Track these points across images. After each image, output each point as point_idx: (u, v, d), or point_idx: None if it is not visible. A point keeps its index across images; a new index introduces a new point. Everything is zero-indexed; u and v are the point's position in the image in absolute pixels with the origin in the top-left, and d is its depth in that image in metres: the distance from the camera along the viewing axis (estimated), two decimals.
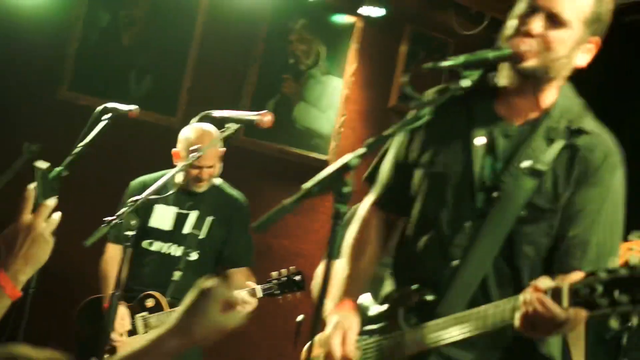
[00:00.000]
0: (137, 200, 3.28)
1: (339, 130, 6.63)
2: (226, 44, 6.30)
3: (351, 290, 2.61)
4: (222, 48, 6.29)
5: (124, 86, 6.00)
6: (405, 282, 2.52)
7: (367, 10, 6.58)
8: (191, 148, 3.80)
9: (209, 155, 4.42)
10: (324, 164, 6.59)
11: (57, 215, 2.13)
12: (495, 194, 2.33)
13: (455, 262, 2.38)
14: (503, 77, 2.38)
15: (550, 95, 2.38)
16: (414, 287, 2.47)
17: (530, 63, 2.31)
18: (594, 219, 2.28)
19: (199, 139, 4.32)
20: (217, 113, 3.45)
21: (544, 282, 2.08)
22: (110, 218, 3.20)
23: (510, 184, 2.31)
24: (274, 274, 4.40)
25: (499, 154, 2.37)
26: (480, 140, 2.40)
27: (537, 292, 2.07)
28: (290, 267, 4.47)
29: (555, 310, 2.03)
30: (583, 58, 2.36)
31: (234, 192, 4.72)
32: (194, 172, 4.47)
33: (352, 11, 6.67)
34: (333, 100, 6.67)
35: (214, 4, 6.22)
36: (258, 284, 4.40)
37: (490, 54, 2.28)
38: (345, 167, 2.19)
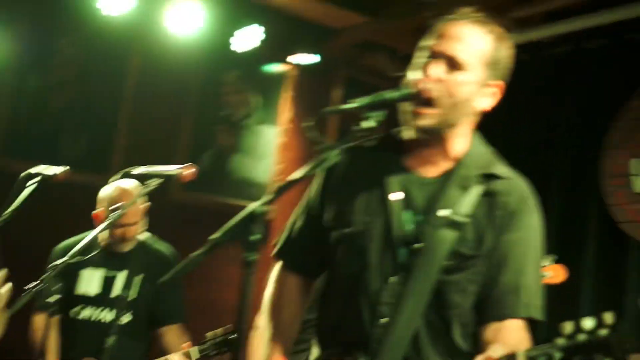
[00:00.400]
0: (57, 264, 3.21)
1: (277, 178, 6.65)
2: (159, 99, 6.31)
3: (277, 350, 2.57)
4: (155, 103, 6.30)
5: (58, 148, 5.96)
6: (332, 345, 2.45)
7: (299, 58, 6.64)
8: (112, 207, 3.75)
9: (131, 212, 4.36)
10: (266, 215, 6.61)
11: (7, 287, 2.02)
12: (416, 246, 2.31)
13: (384, 320, 2.32)
14: (407, 132, 2.39)
15: (459, 143, 2.39)
16: (343, 351, 2.40)
17: (426, 121, 2.33)
18: (522, 262, 2.30)
19: (119, 197, 4.27)
20: (137, 170, 3.44)
21: (496, 350, 2.03)
22: (31, 285, 3.13)
23: (431, 234, 2.30)
24: (209, 334, 4.29)
25: (417, 206, 2.35)
26: (395, 195, 2.38)
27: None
28: (227, 326, 4.37)
29: None
30: (486, 102, 2.37)
31: (161, 247, 4.63)
32: (118, 231, 4.40)
33: (284, 60, 6.73)
34: (269, 148, 6.70)
35: (144, 61, 6.23)
36: (198, 342, 4.32)
37: (391, 95, 2.30)
38: (252, 215, 2.20)
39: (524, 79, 6.05)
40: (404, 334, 2.28)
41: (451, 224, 2.29)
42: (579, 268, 5.76)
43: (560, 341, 1.89)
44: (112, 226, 4.16)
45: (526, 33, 5.71)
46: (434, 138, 2.37)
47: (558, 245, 5.89)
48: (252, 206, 2.20)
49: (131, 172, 3.46)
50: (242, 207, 2.17)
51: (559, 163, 6.01)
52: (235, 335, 4.29)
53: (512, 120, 5.84)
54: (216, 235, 2.21)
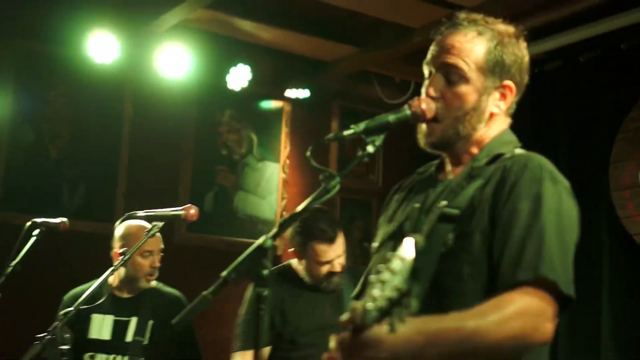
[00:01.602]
0: (68, 312, 3.20)
1: (282, 214, 6.64)
2: (156, 144, 6.31)
3: None
4: (153, 148, 6.29)
5: (58, 199, 5.93)
6: None
7: (293, 93, 6.66)
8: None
9: (157, 240, 4.37)
10: (273, 249, 6.58)
11: None
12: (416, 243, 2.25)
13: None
14: (425, 147, 2.35)
15: (479, 148, 2.33)
16: None
17: (432, 138, 2.29)
18: (528, 230, 2.06)
19: (136, 233, 4.25)
20: (140, 213, 3.42)
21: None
22: (41, 335, 3.12)
23: (428, 228, 2.21)
24: None
25: (427, 207, 2.30)
26: (416, 204, 2.34)
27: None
28: None
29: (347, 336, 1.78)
30: (498, 105, 2.31)
31: (171, 290, 4.63)
32: (146, 262, 4.38)
33: (279, 96, 6.76)
34: (272, 185, 6.69)
35: (138, 106, 6.23)
36: None
37: (391, 117, 2.26)
38: (260, 250, 2.17)
39: (521, 97, 6.05)
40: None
41: (446, 215, 2.19)
42: (596, 283, 5.72)
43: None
44: (138, 257, 4.19)
45: None
46: (454, 148, 2.32)
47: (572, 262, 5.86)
48: (260, 240, 2.17)
49: (134, 216, 3.44)
50: (249, 245, 2.13)
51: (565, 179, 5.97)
52: None
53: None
54: (226, 271, 2.17)
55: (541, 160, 2.19)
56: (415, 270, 2.09)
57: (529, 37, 6.05)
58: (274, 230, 2.21)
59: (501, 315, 1.92)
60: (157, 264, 4.44)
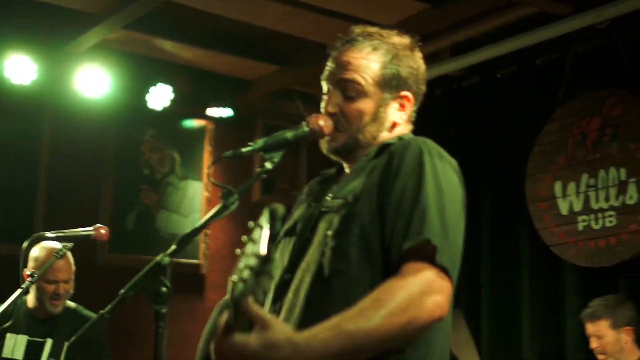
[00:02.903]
0: None
1: (206, 232, 6.62)
2: (76, 164, 6.26)
3: None
4: (72, 169, 6.25)
5: None
6: None
7: (215, 112, 6.67)
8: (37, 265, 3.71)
9: (63, 269, 4.33)
10: (196, 268, 6.56)
11: None
12: (305, 235, 2.25)
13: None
14: (327, 153, 2.39)
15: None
16: None
17: (333, 144, 2.33)
18: (412, 204, 2.06)
19: (47, 255, 4.21)
20: (50, 234, 3.40)
21: None
22: None
23: (319, 217, 2.25)
24: None
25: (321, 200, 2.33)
26: (312, 204, 2.38)
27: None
28: None
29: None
30: (398, 114, 2.35)
31: (90, 313, 4.59)
32: (50, 288, 4.35)
33: (201, 115, 6.76)
34: (195, 203, 6.69)
35: (57, 127, 6.18)
36: None
37: (289, 134, 2.29)
38: (158, 267, 2.17)
39: (439, 112, 6.16)
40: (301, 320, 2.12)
41: (330, 206, 2.22)
42: (515, 294, 5.81)
43: None
44: (43, 283, 4.14)
45: (434, 68, 5.77)
46: (356, 154, 2.34)
47: (492, 273, 5.96)
48: (158, 258, 2.17)
49: (44, 237, 3.42)
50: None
51: (485, 193, 6.08)
52: None
53: None
54: (124, 289, 2.17)
55: (425, 139, 2.22)
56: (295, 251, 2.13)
57: (447, 54, 6.13)
58: (172, 247, 2.21)
59: (383, 313, 1.90)
60: (62, 292, 4.40)
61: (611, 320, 4.78)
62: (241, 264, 1.73)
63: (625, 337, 4.77)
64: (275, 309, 2.25)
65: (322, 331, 1.90)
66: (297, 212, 2.43)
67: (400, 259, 2.01)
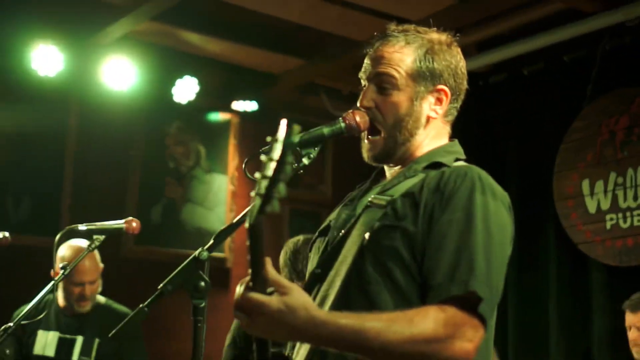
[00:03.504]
0: (7, 327, 3.17)
1: None
2: (102, 156, 6.26)
3: None
4: (99, 161, 6.25)
5: (2, 213, 5.86)
6: None
7: (240, 105, 6.66)
8: (62, 265, 3.70)
9: (89, 270, 4.33)
10: (222, 262, 6.57)
11: None
12: (341, 233, 2.24)
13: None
14: (368, 161, 2.37)
15: (422, 151, 2.35)
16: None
17: (374, 150, 2.31)
18: (460, 242, 2.05)
19: (74, 255, 4.22)
20: (82, 227, 3.39)
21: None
22: None
23: (355, 220, 2.23)
24: None
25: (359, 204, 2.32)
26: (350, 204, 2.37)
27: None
28: None
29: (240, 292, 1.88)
30: (434, 109, 2.33)
31: (121, 307, 4.59)
32: (76, 290, 4.36)
33: (226, 108, 6.76)
34: (220, 197, 6.69)
35: (83, 119, 6.19)
36: None
37: (325, 130, 2.29)
38: (196, 261, 2.18)
39: (465, 109, 6.11)
40: None
41: (373, 206, 2.20)
42: (542, 293, 5.79)
43: None
44: (70, 285, 4.15)
45: None
46: (396, 157, 2.33)
47: (519, 271, 5.93)
48: (196, 252, 2.18)
49: (76, 229, 3.41)
50: None
51: (511, 191, 6.02)
52: None
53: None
54: (162, 284, 2.18)
55: (480, 173, 2.19)
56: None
57: (473, 50, 6.08)
58: (210, 242, 2.22)
59: (409, 333, 1.91)
60: (88, 293, 4.40)
61: None
62: (260, 183, 1.73)
63: None
64: None
65: (343, 318, 1.91)
66: (333, 215, 2.41)
67: (444, 300, 1.99)
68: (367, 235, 2.13)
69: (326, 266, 2.22)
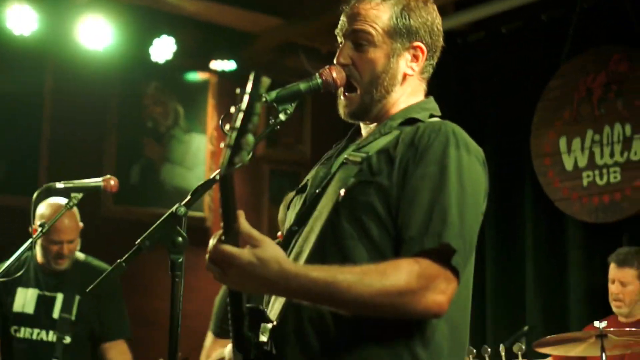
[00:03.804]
0: None
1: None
2: (79, 116, 6.23)
3: None
4: (76, 121, 6.21)
5: None
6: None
7: (218, 65, 6.63)
8: (40, 223, 3.70)
9: (68, 228, 4.32)
10: (202, 221, 6.58)
11: None
12: (317, 190, 2.25)
13: None
14: (344, 118, 2.37)
15: (399, 107, 2.35)
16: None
17: (351, 107, 2.32)
18: (432, 196, 2.05)
19: (52, 213, 4.20)
20: (59, 184, 3.39)
21: None
22: None
23: (331, 177, 2.24)
24: None
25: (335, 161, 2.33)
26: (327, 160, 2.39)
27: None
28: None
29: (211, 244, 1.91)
30: (410, 66, 2.33)
31: (101, 264, 4.58)
32: (54, 248, 4.35)
33: (204, 68, 6.72)
34: (199, 157, 6.68)
35: (60, 79, 6.14)
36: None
37: (302, 86, 2.29)
38: (174, 217, 2.18)
39: (443, 68, 6.11)
40: None
41: (348, 163, 2.21)
42: (520, 249, 5.84)
43: None
44: (48, 243, 4.14)
45: None
46: (373, 114, 2.33)
47: (497, 228, 5.98)
48: (173, 208, 2.18)
49: (54, 187, 3.41)
50: None
51: (490, 148, 6.07)
52: None
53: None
54: (140, 239, 2.18)
55: (455, 128, 2.19)
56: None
57: (452, 9, 6.06)
58: (187, 197, 2.22)
59: (381, 285, 1.92)
60: (66, 252, 4.38)
61: (639, 272, 4.80)
62: (229, 135, 1.76)
63: None
64: None
65: (315, 270, 1.93)
66: (311, 174, 2.42)
67: (417, 253, 1.99)
68: (342, 191, 2.14)
69: (302, 223, 2.23)
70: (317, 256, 2.10)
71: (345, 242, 2.10)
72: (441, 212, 2.03)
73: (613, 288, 4.84)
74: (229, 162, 1.75)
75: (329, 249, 2.11)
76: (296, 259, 2.15)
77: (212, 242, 1.93)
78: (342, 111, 2.35)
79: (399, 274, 1.94)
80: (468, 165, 2.12)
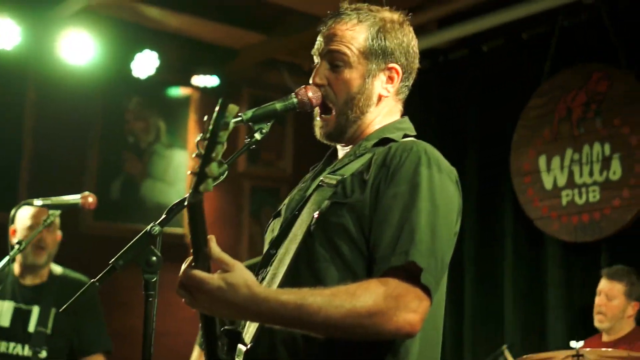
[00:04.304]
0: None
1: None
2: (60, 131, 6.21)
3: None
4: (57, 136, 6.20)
5: None
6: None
7: (200, 81, 6.64)
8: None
9: (48, 237, 4.33)
10: (181, 238, 6.56)
11: None
12: (294, 213, 2.27)
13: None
14: (321, 139, 2.39)
15: (373, 129, 2.36)
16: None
17: (326, 128, 2.34)
18: (403, 216, 2.05)
19: (35, 224, 4.19)
20: (37, 202, 3.38)
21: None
22: None
23: (307, 200, 2.25)
24: None
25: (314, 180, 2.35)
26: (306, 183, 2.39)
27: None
28: None
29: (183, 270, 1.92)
30: (385, 87, 2.35)
31: (78, 276, 4.57)
32: (36, 252, 4.34)
33: (187, 83, 6.73)
34: (180, 172, 6.68)
35: (41, 94, 6.13)
36: None
37: (278, 105, 2.30)
38: (148, 236, 2.17)
39: (425, 85, 6.16)
40: None
41: (324, 185, 2.22)
42: (498, 267, 5.85)
43: None
44: (31, 248, 4.14)
45: (421, 40, 5.76)
46: (348, 135, 2.35)
47: (476, 247, 5.99)
48: (148, 227, 2.18)
49: (31, 204, 3.40)
50: None
51: (471, 165, 6.10)
52: None
53: (419, 129, 5.93)
54: (114, 259, 2.18)
55: (427, 147, 2.21)
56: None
57: (434, 26, 6.09)
58: (163, 216, 2.22)
59: (350, 306, 1.91)
60: (48, 240, 4.37)
61: (628, 288, 4.84)
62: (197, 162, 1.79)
63: (631, 310, 4.84)
64: (258, 280, 2.25)
65: (285, 294, 1.92)
66: (287, 199, 2.43)
67: (385, 272, 1.99)
68: (316, 214, 2.15)
69: (278, 245, 2.25)
70: (291, 278, 2.10)
71: (318, 264, 2.11)
72: (409, 231, 2.03)
73: (598, 300, 4.87)
74: (194, 190, 1.78)
75: (302, 272, 2.12)
76: (271, 281, 2.16)
77: (183, 267, 1.95)
78: (318, 132, 2.37)
79: (367, 295, 1.93)
80: (440, 184, 2.13)
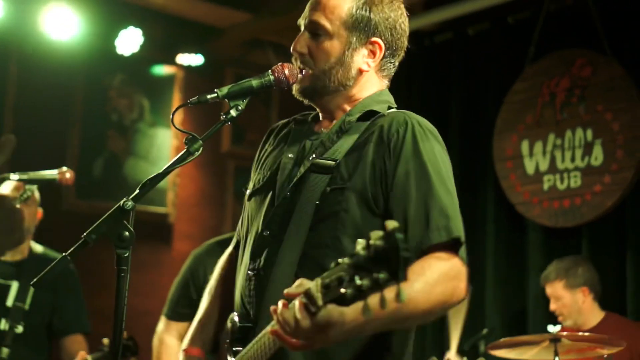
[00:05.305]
0: None
1: (175, 181, 6.60)
2: (42, 108, 6.16)
3: (198, 337, 2.52)
4: (39, 113, 6.14)
5: None
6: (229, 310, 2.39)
7: (185, 59, 6.60)
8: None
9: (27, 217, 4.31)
10: (164, 217, 6.55)
11: None
12: (289, 194, 2.27)
13: (256, 275, 2.28)
14: (297, 95, 2.40)
15: (352, 104, 2.37)
16: (230, 317, 2.33)
17: (299, 85, 2.35)
18: (425, 190, 2.14)
19: (12, 192, 4.16)
20: (14, 176, 3.36)
21: (299, 285, 1.88)
22: None
23: (302, 180, 2.26)
24: (106, 340, 4.25)
25: (301, 158, 2.34)
26: (289, 154, 2.37)
27: (284, 304, 1.92)
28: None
29: (301, 320, 1.85)
30: (366, 61, 2.35)
31: (58, 255, 4.54)
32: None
33: (171, 61, 6.69)
34: (163, 151, 6.64)
35: (23, 69, 6.08)
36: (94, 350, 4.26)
37: (254, 82, 2.30)
38: (121, 211, 2.17)
39: (411, 67, 6.15)
40: (281, 288, 2.04)
41: (318, 165, 2.25)
42: (480, 251, 5.86)
43: (345, 260, 1.67)
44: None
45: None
46: (325, 101, 2.37)
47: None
48: (121, 202, 2.17)
49: (7, 178, 3.38)
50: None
51: (453, 149, 6.08)
52: (132, 342, 4.26)
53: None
54: (86, 233, 2.17)
55: (418, 118, 2.26)
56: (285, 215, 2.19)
57: (420, 8, 6.06)
58: (136, 191, 2.21)
59: (426, 283, 2.02)
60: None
61: (565, 281, 4.85)
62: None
63: (582, 297, 4.83)
64: (256, 265, 2.28)
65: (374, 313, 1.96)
66: (270, 160, 2.42)
67: (429, 247, 2.09)
68: (317, 202, 2.19)
69: (274, 228, 2.26)
70: (298, 268, 2.16)
71: (321, 251, 2.17)
72: (438, 207, 2.13)
73: (551, 305, 4.93)
74: None
75: (308, 261, 2.17)
76: (269, 267, 2.21)
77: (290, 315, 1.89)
78: (294, 89, 2.38)
79: (440, 283, 2.06)
80: (440, 155, 2.23)
